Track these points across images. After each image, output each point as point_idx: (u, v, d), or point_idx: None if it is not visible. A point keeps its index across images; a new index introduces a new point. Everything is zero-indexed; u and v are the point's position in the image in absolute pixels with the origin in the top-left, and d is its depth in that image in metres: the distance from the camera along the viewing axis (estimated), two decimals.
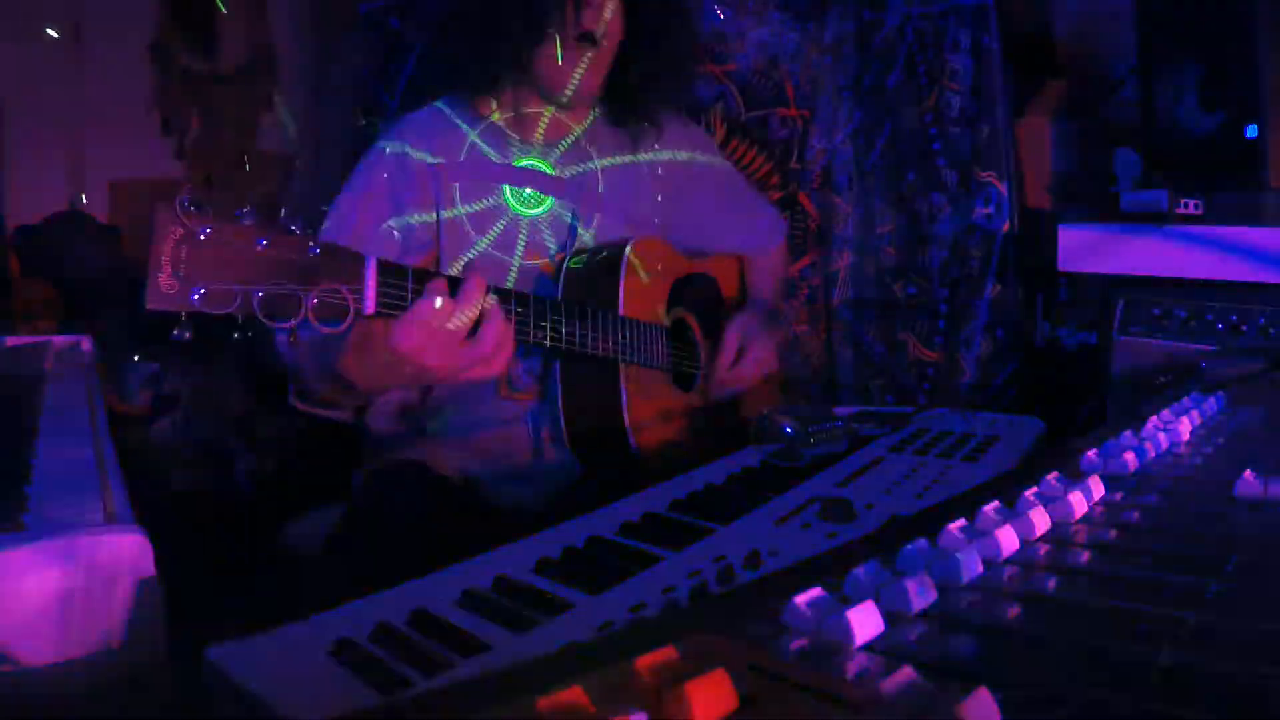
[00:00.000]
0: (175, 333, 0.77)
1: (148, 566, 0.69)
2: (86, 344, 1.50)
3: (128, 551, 0.69)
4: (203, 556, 1.24)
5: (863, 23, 1.87)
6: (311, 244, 0.83)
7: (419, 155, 1.28)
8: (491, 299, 0.97)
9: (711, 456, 1.12)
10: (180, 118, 2.43)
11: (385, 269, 0.90)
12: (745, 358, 1.39)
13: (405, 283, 0.92)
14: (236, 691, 0.57)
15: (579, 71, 1.27)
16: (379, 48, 2.09)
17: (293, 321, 0.82)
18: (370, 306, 0.88)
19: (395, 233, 1.25)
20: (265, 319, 0.80)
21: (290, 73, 2.53)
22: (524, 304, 1.05)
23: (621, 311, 1.22)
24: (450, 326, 0.93)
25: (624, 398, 1.20)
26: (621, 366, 1.21)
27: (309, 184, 2.38)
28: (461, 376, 1.00)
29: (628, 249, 1.26)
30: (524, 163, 1.35)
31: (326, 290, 0.84)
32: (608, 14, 1.25)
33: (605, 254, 1.28)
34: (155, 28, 2.40)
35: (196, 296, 0.76)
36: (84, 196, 2.29)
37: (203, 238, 0.76)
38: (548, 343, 1.10)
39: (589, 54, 1.26)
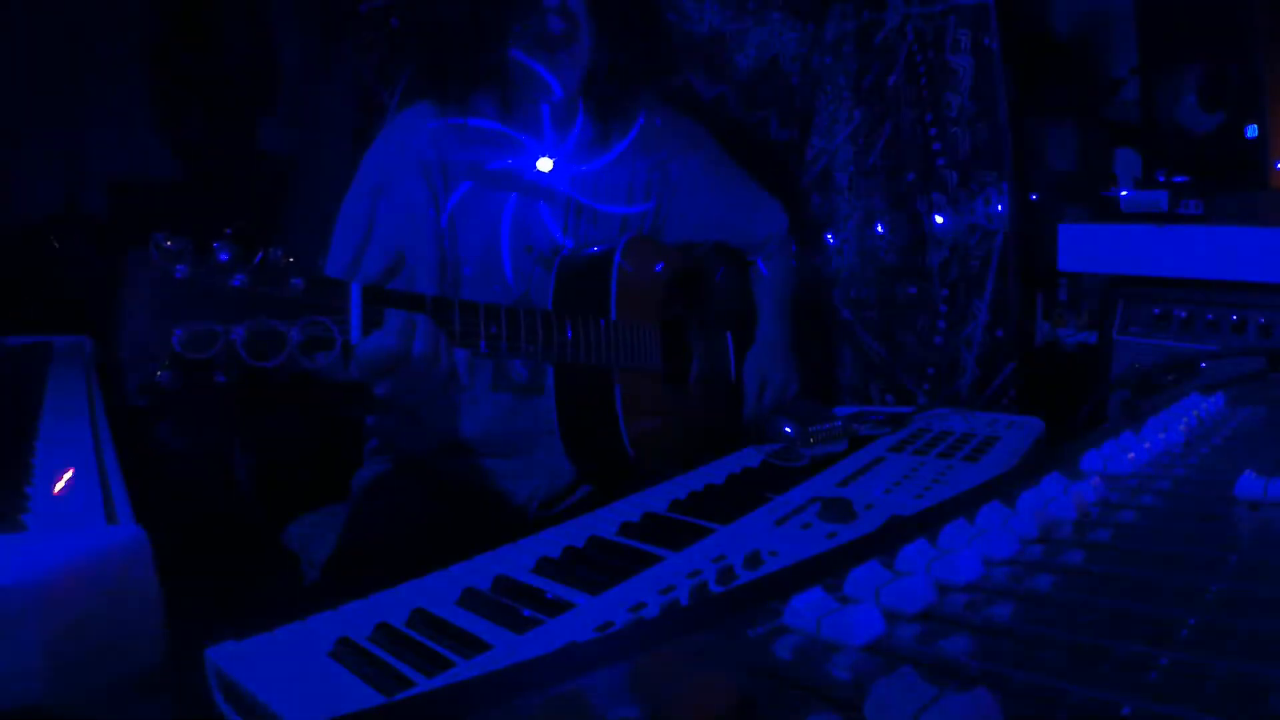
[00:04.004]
0: (158, 376, 0.74)
1: (148, 566, 0.69)
2: (86, 344, 1.50)
3: (128, 551, 0.69)
4: (203, 556, 1.24)
5: (863, 23, 1.87)
6: (292, 276, 0.80)
7: (415, 154, 1.28)
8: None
9: (711, 456, 1.12)
10: (180, 117, 2.42)
11: (370, 294, 0.88)
12: (766, 394, 1.43)
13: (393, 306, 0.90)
14: (236, 691, 0.57)
15: (555, 71, 1.27)
16: (379, 47, 2.09)
17: (279, 359, 0.79)
18: (357, 335, 0.86)
19: (399, 235, 1.25)
20: (250, 359, 0.77)
21: (290, 72, 2.53)
22: (509, 319, 1.03)
23: (614, 314, 1.21)
24: (413, 351, 0.91)
25: (618, 401, 1.20)
26: (614, 370, 1.20)
27: (310, 184, 2.38)
28: (424, 392, 0.97)
29: (618, 250, 1.25)
30: (516, 161, 1.34)
31: (310, 323, 0.81)
32: (575, 12, 1.24)
33: (596, 256, 1.27)
34: (155, 28, 2.40)
35: (176, 340, 0.73)
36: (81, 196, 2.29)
37: (179, 277, 0.73)
38: (540, 355, 1.09)
39: (562, 53, 1.26)
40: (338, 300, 0.85)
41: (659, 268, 1.34)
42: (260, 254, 0.79)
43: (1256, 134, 1.39)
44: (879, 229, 1.88)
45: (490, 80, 1.28)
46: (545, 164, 1.35)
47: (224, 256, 0.77)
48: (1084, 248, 1.52)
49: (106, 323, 0.76)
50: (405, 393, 0.94)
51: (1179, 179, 1.45)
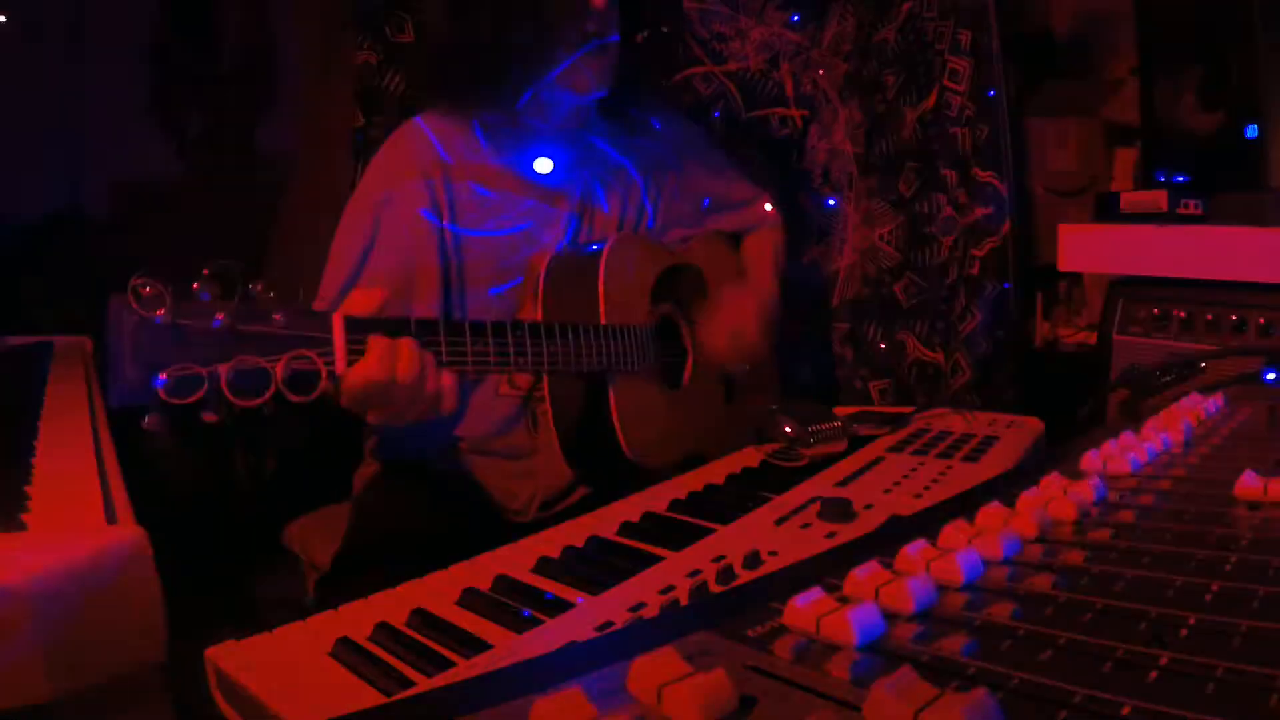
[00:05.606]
0: (145, 421, 0.73)
1: (148, 566, 0.69)
2: (87, 344, 1.50)
3: (128, 551, 0.69)
4: (203, 556, 1.24)
5: (863, 23, 1.87)
6: (273, 310, 0.79)
7: (420, 161, 1.28)
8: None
9: (710, 456, 1.12)
10: (180, 117, 2.42)
11: (353, 324, 0.86)
12: (730, 349, 1.39)
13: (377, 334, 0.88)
14: (236, 691, 0.57)
15: (594, 72, 1.27)
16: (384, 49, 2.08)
17: (265, 396, 0.77)
18: (342, 366, 0.84)
19: (404, 244, 1.24)
20: (236, 399, 0.75)
21: (290, 71, 2.53)
22: (497, 336, 1.01)
23: (604, 316, 1.21)
24: (398, 376, 0.88)
25: (612, 405, 1.19)
26: (608, 374, 1.20)
27: (311, 185, 2.37)
28: (414, 417, 0.95)
29: (604, 251, 1.25)
30: (522, 165, 1.34)
31: (294, 357, 0.79)
32: (610, 12, 1.24)
33: (584, 258, 1.27)
34: (155, 27, 2.39)
35: (161, 386, 0.72)
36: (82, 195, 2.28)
37: (159, 323, 0.72)
38: (530, 369, 1.08)
39: (600, 54, 1.25)
40: (320, 331, 0.83)
41: (647, 267, 1.34)
42: (239, 291, 0.77)
43: (1256, 134, 1.39)
44: (879, 229, 1.88)
45: (509, 91, 1.28)
46: (546, 165, 1.35)
47: (204, 297, 0.76)
48: (1084, 248, 1.52)
49: (99, 358, 0.75)
50: (395, 418, 0.93)
51: (1179, 179, 1.45)
